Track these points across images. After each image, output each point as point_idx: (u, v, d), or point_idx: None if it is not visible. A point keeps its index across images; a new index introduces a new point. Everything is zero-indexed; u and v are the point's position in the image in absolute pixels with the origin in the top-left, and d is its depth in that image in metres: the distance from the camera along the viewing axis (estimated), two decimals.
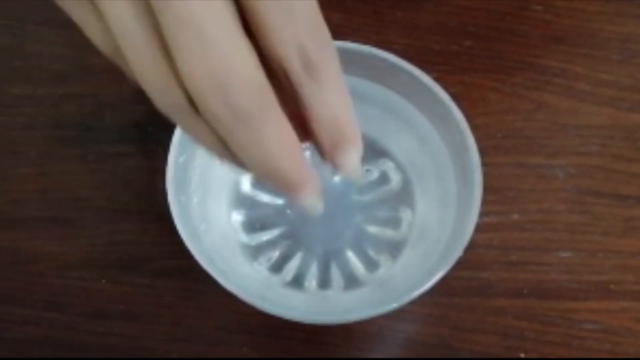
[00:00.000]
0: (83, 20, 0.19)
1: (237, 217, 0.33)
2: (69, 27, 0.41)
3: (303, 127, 0.19)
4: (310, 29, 0.18)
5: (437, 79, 0.31)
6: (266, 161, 0.18)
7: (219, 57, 0.17)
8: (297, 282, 0.32)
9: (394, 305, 0.27)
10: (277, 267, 0.33)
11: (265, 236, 0.33)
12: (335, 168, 0.20)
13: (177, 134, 0.30)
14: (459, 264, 0.28)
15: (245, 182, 0.34)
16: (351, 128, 0.19)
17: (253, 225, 0.33)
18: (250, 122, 0.17)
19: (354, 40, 0.30)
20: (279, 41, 0.17)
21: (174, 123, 0.19)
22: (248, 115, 0.17)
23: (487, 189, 0.29)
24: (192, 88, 0.17)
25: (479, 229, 0.29)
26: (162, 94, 0.18)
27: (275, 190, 0.21)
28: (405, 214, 0.33)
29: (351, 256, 0.33)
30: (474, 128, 0.30)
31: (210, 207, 0.32)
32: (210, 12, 0.17)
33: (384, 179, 0.34)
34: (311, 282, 0.32)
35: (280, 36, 0.17)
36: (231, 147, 0.18)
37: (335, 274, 0.32)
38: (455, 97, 0.30)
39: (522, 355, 0.33)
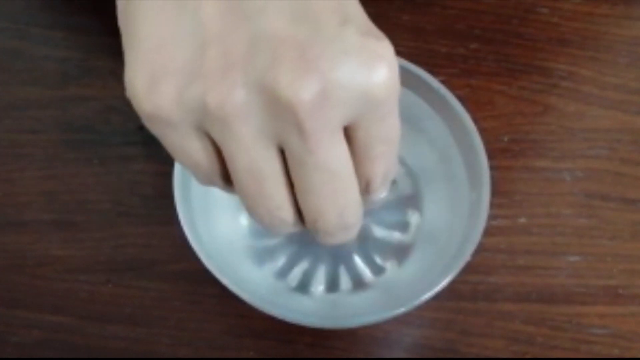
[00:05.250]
0: (183, 151, 0.21)
1: (243, 220, 0.33)
2: (75, 30, 0.42)
3: None
4: (394, 156, 0.23)
5: (444, 82, 0.30)
6: (345, 240, 0.24)
7: (343, 194, 0.21)
8: (303, 286, 0.32)
9: (402, 309, 0.27)
10: (284, 271, 0.33)
11: (272, 240, 0.33)
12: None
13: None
14: (466, 268, 0.28)
15: None
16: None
17: (259, 229, 0.33)
18: (350, 230, 0.23)
19: None
20: (376, 167, 0.22)
21: (268, 231, 0.24)
22: (351, 227, 0.23)
23: (494, 192, 0.29)
24: (315, 216, 0.22)
25: (486, 232, 0.28)
26: (271, 216, 0.22)
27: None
28: (414, 218, 0.33)
29: (358, 260, 0.33)
30: (481, 131, 0.30)
31: (216, 210, 0.32)
32: (340, 159, 0.21)
33: (392, 182, 0.34)
34: (317, 287, 0.32)
35: (378, 164, 0.22)
36: (320, 240, 0.23)
37: (342, 278, 0.32)
38: (461, 100, 0.30)
39: (530, 359, 0.33)
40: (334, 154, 0.20)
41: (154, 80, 0.19)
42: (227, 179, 0.22)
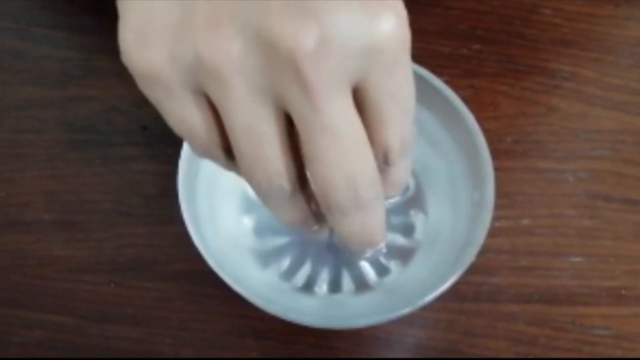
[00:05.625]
0: (180, 115, 0.20)
1: (248, 221, 0.33)
2: (77, 30, 0.41)
3: None
4: (410, 119, 0.21)
5: (447, 83, 0.30)
6: (368, 235, 0.21)
7: (354, 161, 0.19)
8: (307, 286, 0.32)
9: (407, 310, 0.27)
10: (288, 272, 0.32)
11: (276, 241, 0.33)
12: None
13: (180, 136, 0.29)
14: (469, 269, 0.28)
15: None
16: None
17: (263, 230, 0.33)
18: (366, 209, 0.20)
19: None
20: (391, 131, 0.20)
21: (266, 206, 0.22)
22: (367, 205, 0.20)
23: (497, 193, 0.29)
24: (325, 186, 0.20)
25: (489, 233, 0.28)
26: (269, 182, 0.20)
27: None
28: (418, 219, 0.33)
29: (362, 261, 0.33)
30: (484, 132, 0.30)
31: (220, 211, 0.32)
32: (349, 120, 0.19)
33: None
34: (322, 286, 0.32)
35: (393, 127, 0.20)
36: (337, 227, 0.21)
37: (346, 279, 0.32)
38: (464, 101, 0.30)
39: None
40: (340, 113, 0.19)
41: (145, 37, 0.19)
42: (225, 150, 0.21)
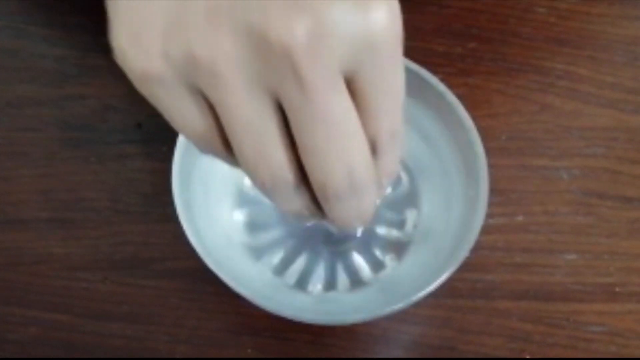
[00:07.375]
0: (179, 114, 0.20)
1: (240, 216, 0.33)
2: (73, 28, 0.41)
3: None
4: (400, 111, 0.21)
5: (441, 81, 0.31)
6: (360, 217, 0.22)
7: (350, 148, 0.20)
8: (301, 283, 0.32)
9: (400, 305, 0.27)
10: (282, 268, 0.33)
11: (269, 236, 0.33)
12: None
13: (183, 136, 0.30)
14: (464, 266, 0.28)
15: (249, 181, 0.34)
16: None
17: (256, 225, 0.33)
18: (361, 194, 0.21)
19: None
20: (381, 122, 0.20)
21: (271, 200, 0.22)
22: (362, 190, 0.21)
23: (492, 190, 0.29)
24: (323, 175, 0.20)
25: (483, 230, 0.28)
26: (273, 177, 0.21)
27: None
28: (411, 215, 0.33)
29: (356, 257, 0.33)
30: (478, 130, 0.30)
31: (214, 207, 0.32)
32: (343, 109, 0.19)
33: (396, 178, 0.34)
34: (316, 284, 0.32)
35: (383, 119, 0.20)
36: (331, 211, 0.22)
37: (341, 275, 0.32)
38: (459, 99, 0.30)
39: (528, 356, 0.33)
40: (335, 103, 0.19)
41: (138, 39, 0.19)
42: (228, 145, 0.21)
